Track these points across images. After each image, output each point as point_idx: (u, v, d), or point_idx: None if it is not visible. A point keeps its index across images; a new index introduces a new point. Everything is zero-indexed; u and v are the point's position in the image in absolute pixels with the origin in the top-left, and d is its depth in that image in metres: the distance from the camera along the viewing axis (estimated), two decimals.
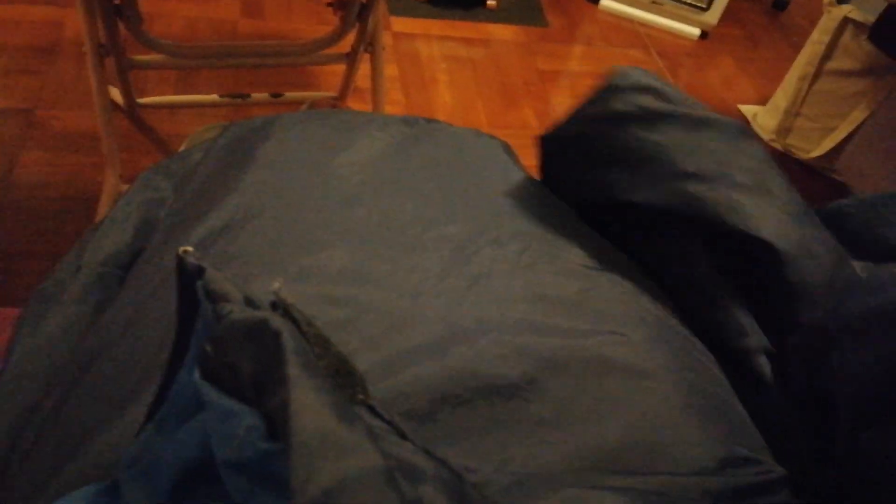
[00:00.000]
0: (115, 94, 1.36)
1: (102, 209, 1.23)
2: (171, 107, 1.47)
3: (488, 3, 2.09)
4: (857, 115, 1.71)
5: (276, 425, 0.25)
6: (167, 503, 0.30)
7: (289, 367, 0.25)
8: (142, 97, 1.42)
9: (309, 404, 0.24)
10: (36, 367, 0.55)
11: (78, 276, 0.61)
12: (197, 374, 0.29)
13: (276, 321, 0.28)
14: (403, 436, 0.31)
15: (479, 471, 0.40)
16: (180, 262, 0.32)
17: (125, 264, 0.63)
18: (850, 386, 0.48)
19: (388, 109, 1.61)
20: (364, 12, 1.29)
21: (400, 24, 1.94)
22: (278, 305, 0.32)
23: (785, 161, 1.82)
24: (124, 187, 1.23)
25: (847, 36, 1.66)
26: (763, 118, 1.92)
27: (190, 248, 0.32)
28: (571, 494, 0.37)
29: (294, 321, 0.31)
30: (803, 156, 1.82)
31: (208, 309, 0.30)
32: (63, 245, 1.19)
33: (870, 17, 1.55)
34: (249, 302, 0.31)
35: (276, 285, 0.32)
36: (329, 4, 1.30)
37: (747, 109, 1.98)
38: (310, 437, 0.23)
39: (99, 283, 0.61)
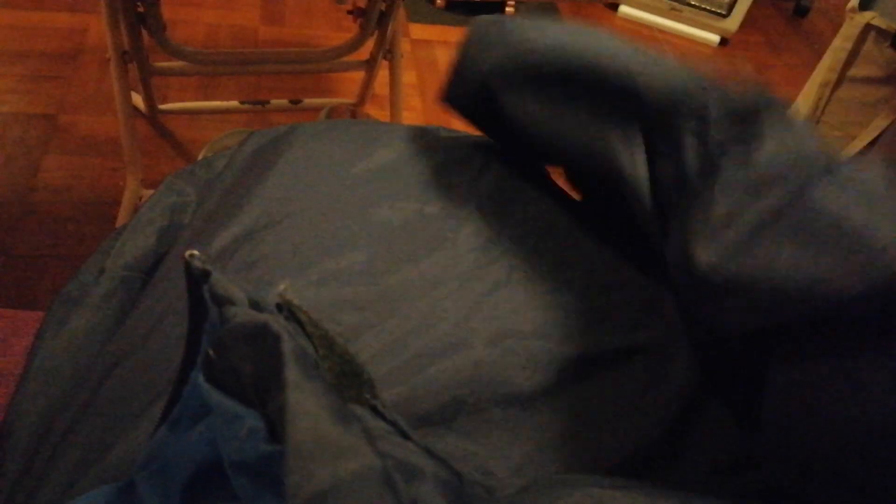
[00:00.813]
0: (137, 99, 1.38)
1: (123, 213, 1.25)
2: (192, 113, 1.49)
3: (506, 9, 2.09)
4: (880, 123, 1.68)
5: (276, 428, 0.26)
6: (180, 502, 0.31)
7: (287, 370, 0.26)
8: (163, 103, 1.44)
9: (305, 408, 0.25)
10: (59, 370, 0.55)
11: (101, 280, 0.62)
12: (201, 378, 0.30)
13: (277, 325, 0.28)
14: (406, 435, 0.31)
15: (495, 473, 0.40)
16: (187, 265, 0.32)
17: (148, 268, 0.64)
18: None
19: (406, 116, 1.62)
20: (383, 20, 1.30)
21: (418, 30, 1.94)
22: (283, 307, 0.32)
23: None
24: (145, 192, 1.25)
25: (869, 42, 1.64)
26: None
27: (196, 252, 0.32)
28: (591, 493, 0.37)
29: (299, 323, 0.32)
30: None
31: (214, 312, 0.31)
32: (84, 249, 1.21)
33: (893, 24, 1.53)
34: (255, 304, 0.32)
35: (283, 287, 0.33)
36: (349, 12, 1.31)
37: None
38: (305, 441, 0.24)
39: (122, 286, 0.62)
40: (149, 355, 0.49)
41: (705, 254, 0.40)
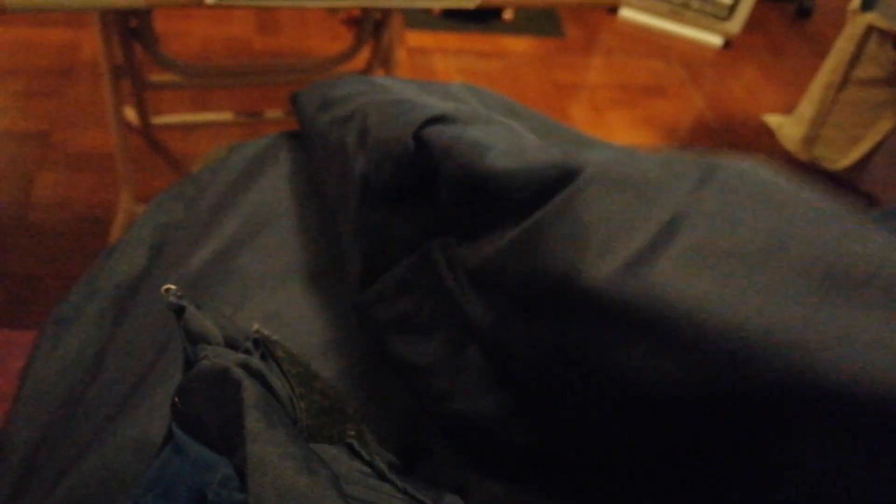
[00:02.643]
0: (131, 114, 1.37)
1: (117, 230, 1.23)
2: (186, 126, 1.47)
3: (504, 15, 2.07)
4: (884, 125, 1.67)
5: (243, 479, 0.26)
6: None
7: (248, 420, 0.26)
8: (157, 117, 1.42)
9: (267, 460, 0.24)
10: (52, 391, 0.55)
11: (93, 300, 0.61)
12: (173, 423, 0.29)
13: (238, 371, 0.28)
14: (383, 476, 0.30)
15: None
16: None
17: (139, 287, 0.64)
18: None
19: None
20: (378, 29, 1.29)
21: (415, 38, 1.93)
22: (260, 344, 0.32)
23: (812, 173, 1.78)
24: (139, 207, 1.24)
25: (872, 44, 1.63)
26: (788, 128, 1.88)
27: (172, 287, 0.32)
28: None
29: (276, 360, 0.31)
30: (830, 166, 1.78)
31: (189, 350, 0.31)
32: (79, 266, 1.20)
33: (894, 26, 1.51)
34: (230, 341, 0.31)
35: (256, 327, 0.33)
36: (344, 21, 1.29)
37: (772, 119, 1.95)
38: (268, 494, 0.23)
39: (113, 307, 0.62)
40: (118, 375, 0.48)
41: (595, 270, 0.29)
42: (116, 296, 0.62)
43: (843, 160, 1.74)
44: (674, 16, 2.21)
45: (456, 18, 2.02)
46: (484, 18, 2.05)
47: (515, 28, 2.06)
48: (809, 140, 1.81)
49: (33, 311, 1.12)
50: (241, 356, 0.30)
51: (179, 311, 0.31)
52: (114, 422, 0.42)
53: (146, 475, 0.31)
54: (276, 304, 0.48)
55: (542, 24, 2.12)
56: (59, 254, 1.22)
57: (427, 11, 2.01)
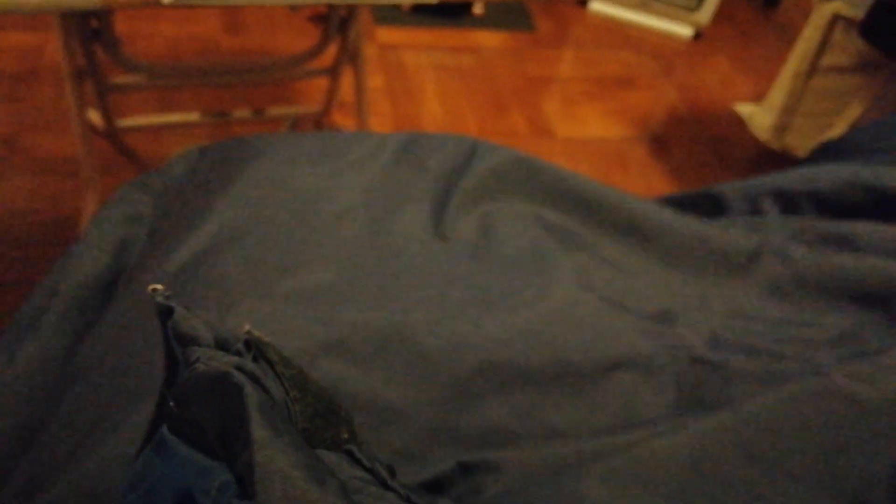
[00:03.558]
0: (95, 116, 1.35)
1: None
2: (153, 128, 1.45)
3: (474, 10, 2.07)
4: (853, 112, 1.68)
5: (245, 485, 0.25)
6: None
7: (253, 426, 0.25)
8: (123, 119, 1.40)
9: (276, 468, 0.24)
10: (13, 400, 0.53)
11: (55, 302, 0.59)
12: (165, 429, 0.29)
13: (239, 375, 0.27)
14: (385, 484, 0.30)
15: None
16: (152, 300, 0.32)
17: (105, 286, 0.62)
18: None
19: (376, 121, 1.60)
20: (344, 25, 1.28)
21: (385, 34, 1.92)
22: (252, 345, 0.31)
23: (783, 161, 1.80)
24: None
25: (838, 32, 1.64)
26: (759, 117, 1.90)
27: (160, 287, 0.31)
28: None
29: (269, 362, 0.31)
30: (801, 154, 1.79)
31: (178, 352, 0.30)
32: (43, 274, 1.18)
33: (859, 13, 1.53)
34: (222, 342, 0.30)
35: (247, 328, 0.32)
36: (310, 18, 1.28)
37: (743, 108, 1.96)
38: (277, 502, 0.23)
39: (77, 309, 0.60)
40: (101, 381, 0.47)
41: None
42: (79, 296, 0.60)
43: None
44: (644, 8, 2.22)
45: (426, 14, 2.02)
46: (454, 13, 2.05)
47: (486, 23, 2.06)
48: (780, 128, 1.83)
49: (2, 318, 1.11)
50: (235, 358, 0.29)
51: (167, 311, 0.31)
52: (96, 436, 0.41)
53: (127, 477, 0.30)
54: (262, 312, 0.47)
55: (512, 18, 2.12)
56: (25, 262, 1.20)
57: (396, 7, 2.00)
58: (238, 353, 0.31)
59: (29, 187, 1.32)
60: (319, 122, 1.39)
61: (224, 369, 0.27)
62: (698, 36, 2.23)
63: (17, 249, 1.21)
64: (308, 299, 0.49)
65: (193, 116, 1.41)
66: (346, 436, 0.31)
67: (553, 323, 0.51)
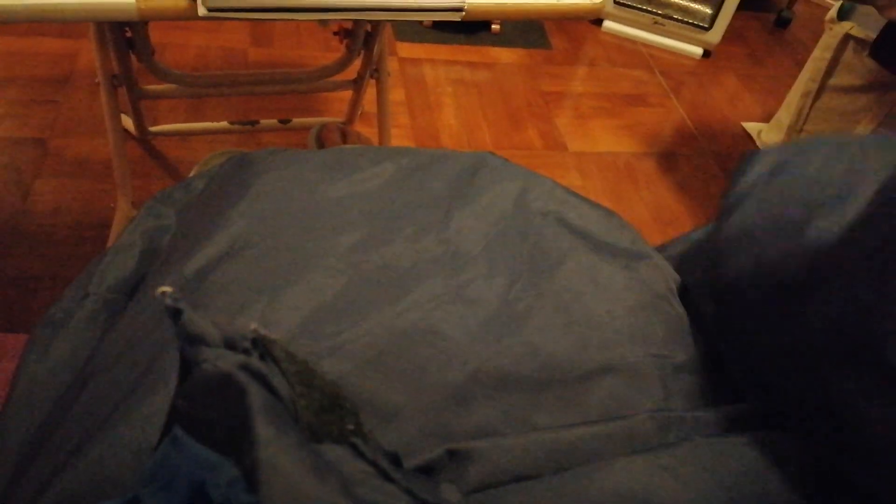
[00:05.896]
0: (128, 122, 1.39)
1: (114, 235, 1.25)
2: (182, 134, 1.50)
3: (492, 27, 2.12)
4: (861, 132, 1.71)
5: (251, 481, 0.26)
6: None
7: (256, 425, 0.26)
8: (154, 125, 1.45)
9: (279, 466, 0.25)
10: (43, 395, 0.55)
11: (85, 303, 0.62)
12: (176, 427, 0.29)
13: (242, 375, 0.28)
14: (387, 477, 0.30)
15: None
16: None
17: (130, 291, 0.65)
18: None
19: (395, 132, 1.64)
20: (369, 40, 1.32)
21: (406, 49, 1.97)
22: (258, 344, 0.32)
23: None
24: (136, 213, 1.26)
25: (849, 52, 1.67)
26: (767, 135, 1.93)
27: (168, 289, 0.31)
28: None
29: (274, 359, 0.31)
30: None
31: (188, 352, 0.31)
32: (76, 271, 1.20)
33: (871, 34, 1.56)
34: (229, 342, 0.31)
35: (253, 326, 0.32)
36: (335, 33, 1.32)
37: (751, 127, 2.00)
38: (279, 499, 0.24)
39: (105, 309, 0.62)
40: (113, 378, 0.49)
41: None
42: (107, 299, 0.63)
43: None
44: (656, 27, 2.26)
45: (446, 31, 2.07)
46: (473, 31, 2.10)
47: (503, 40, 2.11)
48: None
49: (29, 316, 1.14)
50: (241, 357, 0.30)
51: (176, 313, 0.31)
52: (108, 424, 0.42)
53: (145, 468, 0.31)
54: (268, 317, 0.48)
55: (528, 35, 2.16)
56: (58, 258, 1.23)
57: (417, 24, 2.05)
58: (245, 352, 0.31)
59: (61, 188, 1.35)
60: (343, 132, 1.43)
61: (227, 371, 0.28)
62: (708, 55, 2.27)
63: (50, 246, 1.24)
64: (312, 306, 0.50)
65: (222, 124, 1.46)
66: (351, 427, 0.32)
67: (545, 330, 0.52)
